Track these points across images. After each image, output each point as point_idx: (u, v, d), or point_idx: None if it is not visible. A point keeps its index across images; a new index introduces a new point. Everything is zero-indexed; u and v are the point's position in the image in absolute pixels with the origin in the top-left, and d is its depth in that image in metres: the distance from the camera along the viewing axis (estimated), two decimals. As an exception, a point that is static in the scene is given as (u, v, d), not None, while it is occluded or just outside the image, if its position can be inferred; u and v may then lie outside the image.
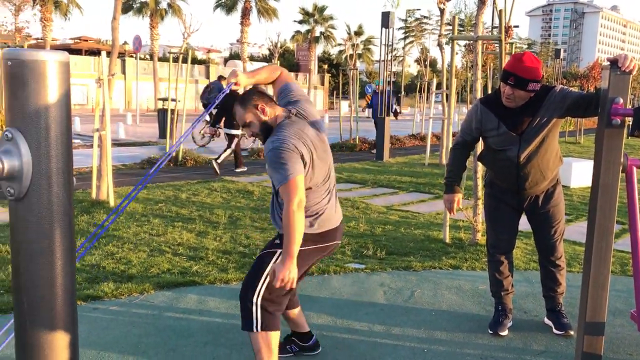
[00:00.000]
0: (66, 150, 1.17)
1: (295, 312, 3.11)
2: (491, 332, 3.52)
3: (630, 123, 2.78)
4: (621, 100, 2.80)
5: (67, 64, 1.17)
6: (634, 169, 2.94)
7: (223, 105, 9.76)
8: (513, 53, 7.09)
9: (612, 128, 2.85)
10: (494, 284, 3.66)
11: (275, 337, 2.72)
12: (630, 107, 2.80)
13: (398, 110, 17.04)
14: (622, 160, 2.90)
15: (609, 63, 2.86)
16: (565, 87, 3.27)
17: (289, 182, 2.49)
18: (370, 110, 18.56)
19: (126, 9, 37.23)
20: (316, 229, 2.72)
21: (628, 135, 2.88)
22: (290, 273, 2.51)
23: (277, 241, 2.76)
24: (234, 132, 10.22)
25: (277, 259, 2.69)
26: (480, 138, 3.50)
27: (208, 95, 11.85)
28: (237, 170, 10.43)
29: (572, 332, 3.48)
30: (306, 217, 2.65)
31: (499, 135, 3.30)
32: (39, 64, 1.11)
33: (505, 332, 3.53)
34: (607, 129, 2.86)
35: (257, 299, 2.66)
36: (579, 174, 9.79)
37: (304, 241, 2.60)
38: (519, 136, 3.25)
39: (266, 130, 2.68)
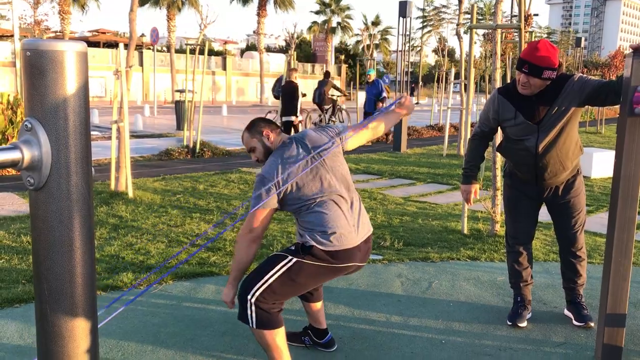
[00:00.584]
0: (84, 140, 1.18)
1: (317, 305, 3.10)
2: (510, 323, 3.49)
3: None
4: (644, 89, 2.75)
5: (85, 54, 1.17)
6: (657, 158, 2.88)
7: (283, 96, 10.92)
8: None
9: (634, 117, 2.80)
10: (513, 275, 3.63)
11: (277, 333, 2.64)
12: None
13: (414, 101, 16.20)
14: (644, 149, 2.85)
15: (632, 50, 2.81)
16: (584, 75, 3.22)
17: (253, 212, 2.64)
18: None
19: (143, 1, 37.40)
20: (326, 246, 2.61)
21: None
22: (223, 296, 2.73)
23: (293, 247, 2.71)
24: (290, 118, 10.98)
25: (285, 265, 2.64)
26: (499, 128, 3.47)
27: (278, 88, 12.06)
28: None
29: (592, 324, 3.44)
30: (312, 232, 2.63)
31: (517, 125, 3.26)
32: (57, 54, 1.11)
33: (524, 324, 3.50)
34: (630, 118, 2.82)
35: (252, 298, 2.59)
36: (600, 164, 9.65)
37: (310, 256, 2.61)
38: (536, 126, 3.21)
39: (268, 155, 2.82)
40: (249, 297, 2.60)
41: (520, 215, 3.54)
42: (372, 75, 14.02)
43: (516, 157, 3.41)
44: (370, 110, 13.81)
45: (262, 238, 2.73)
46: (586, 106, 3.24)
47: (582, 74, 3.21)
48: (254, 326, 2.61)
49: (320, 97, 15.34)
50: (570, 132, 3.25)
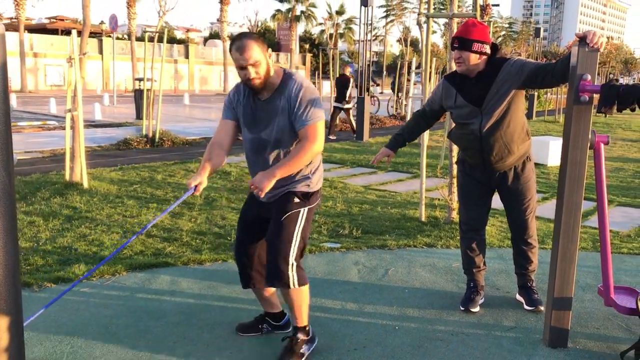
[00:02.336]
0: (3, 125, 1.13)
1: (271, 290, 3.12)
2: (462, 308, 3.55)
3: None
4: (589, 77, 2.81)
5: (2, 36, 1.12)
6: (602, 145, 2.95)
7: (336, 86, 13.75)
8: (492, 32, 7.07)
9: (580, 104, 2.86)
10: (466, 261, 3.68)
11: (308, 289, 2.85)
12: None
13: (378, 91, 15.36)
14: (590, 136, 2.92)
15: (577, 39, 2.86)
16: (523, 58, 3.29)
17: (321, 123, 2.70)
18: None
19: (102, -13, 36.49)
20: (318, 185, 2.90)
21: (597, 112, 2.88)
22: (267, 186, 2.57)
23: (296, 200, 2.80)
24: (340, 104, 13.67)
25: (302, 218, 2.80)
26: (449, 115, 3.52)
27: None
28: (330, 137, 13.35)
29: (542, 308, 3.52)
30: (314, 175, 2.85)
31: (459, 108, 3.35)
32: (-30, 35, 1.06)
33: (476, 309, 3.56)
34: (576, 106, 2.87)
35: (292, 258, 2.74)
36: (557, 152, 9.86)
37: (313, 199, 2.85)
38: (479, 108, 3.28)
39: (267, 75, 2.67)
40: (291, 260, 2.74)
41: (472, 201, 3.59)
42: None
43: (464, 141, 3.46)
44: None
45: None
46: (525, 88, 3.28)
47: (520, 57, 3.27)
48: (297, 285, 2.75)
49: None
50: (514, 115, 3.30)
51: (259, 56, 2.61)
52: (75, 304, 3.49)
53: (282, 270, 2.72)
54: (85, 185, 6.73)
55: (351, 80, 13.58)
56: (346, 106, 13.68)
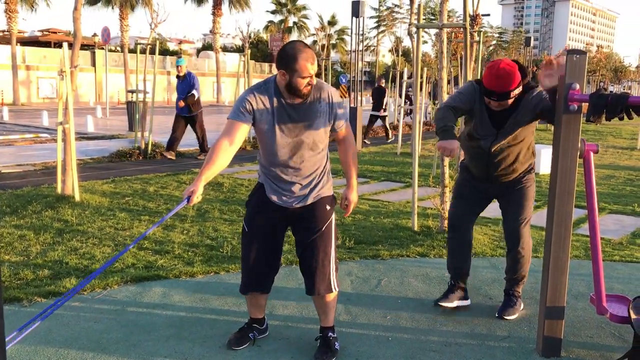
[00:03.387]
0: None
1: (266, 296, 3.20)
2: (434, 304, 3.64)
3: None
4: (577, 86, 2.82)
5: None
6: (591, 154, 2.96)
7: (373, 95, 14.89)
8: (482, 41, 7.12)
9: (569, 114, 2.87)
10: (449, 261, 3.77)
11: None
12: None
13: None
14: (579, 145, 2.93)
15: (566, 50, 2.88)
16: (543, 92, 3.21)
17: (348, 123, 3.01)
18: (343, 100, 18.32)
19: (94, 0, 36.56)
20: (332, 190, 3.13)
21: (585, 120, 2.90)
22: (356, 197, 3.11)
23: (327, 207, 2.98)
24: (377, 113, 14.87)
25: (334, 224, 3.04)
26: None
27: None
28: (365, 141, 14.35)
29: (507, 317, 3.55)
30: (329, 174, 3.08)
31: (481, 125, 3.37)
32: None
33: (448, 305, 3.62)
34: (565, 115, 2.88)
35: (332, 263, 2.98)
36: (548, 160, 9.90)
37: (331, 207, 3.03)
38: (496, 130, 3.34)
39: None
40: (334, 266, 2.99)
41: (463, 200, 3.66)
42: (183, 67, 10.70)
43: (470, 153, 3.53)
44: (184, 114, 10.73)
45: None
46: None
47: (541, 90, 3.24)
48: (337, 289, 3.03)
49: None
50: (525, 138, 3.40)
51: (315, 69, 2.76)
52: (66, 319, 3.46)
53: (329, 277, 2.96)
54: (77, 198, 6.70)
55: (385, 91, 14.95)
56: (383, 114, 14.91)
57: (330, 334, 3.09)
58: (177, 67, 10.73)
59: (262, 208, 2.98)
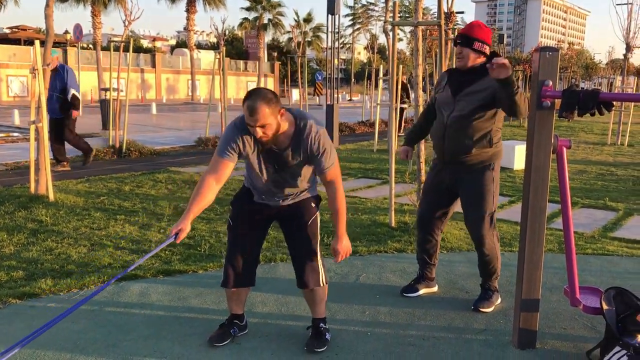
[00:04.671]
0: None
1: (248, 290, 3.22)
2: (400, 293, 3.84)
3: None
4: (550, 83, 2.88)
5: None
6: (564, 149, 3.02)
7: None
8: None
9: (542, 110, 2.93)
10: (417, 251, 3.92)
11: None
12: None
13: (347, 98, 16.05)
14: (552, 141, 2.99)
15: (539, 47, 2.93)
16: None
17: (337, 166, 2.89)
18: (320, 97, 18.71)
19: (66, -4, 35.96)
20: (316, 190, 3.16)
21: (558, 116, 2.96)
22: (348, 246, 3.03)
23: (312, 204, 3.06)
24: (403, 106, 14.98)
25: (318, 220, 3.08)
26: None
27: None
28: (399, 134, 14.31)
29: (482, 310, 3.63)
30: (316, 184, 3.12)
31: (441, 92, 3.60)
32: None
33: (413, 294, 3.84)
34: (538, 111, 2.94)
35: (319, 258, 3.04)
36: (522, 156, 10.05)
37: (316, 205, 3.08)
38: (454, 98, 3.48)
39: (277, 132, 2.74)
40: (319, 258, 3.03)
41: (428, 197, 3.77)
42: (55, 59, 8.60)
43: (434, 128, 3.68)
44: (56, 116, 8.82)
45: None
46: (493, 107, 3.40)
47: None
48: (325, 283, 3.07)
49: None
50: (481, 120, 3.45)
51: (269, 119, 2.64)
52: (42, 320, 3.41)
53: (317, 271, 3.02)
54: (51, 197, 6.60)
55: (408, 86, 15.69)
56: (404, 106, 15.63)
57: (321, 324, 3.18)
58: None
59: (248, 204, 3.09)
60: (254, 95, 2.63)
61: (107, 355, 3.00)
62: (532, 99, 2.98)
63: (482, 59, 3.44)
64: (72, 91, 8.67)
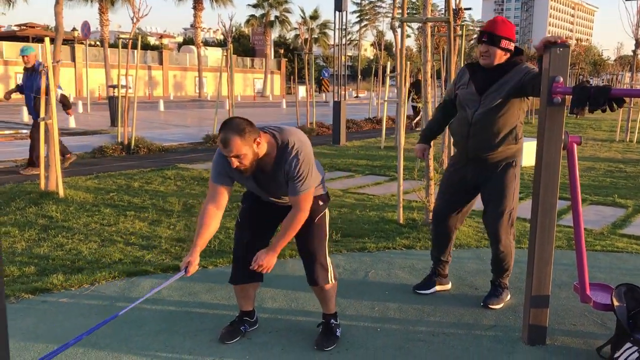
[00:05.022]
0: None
1: (256, 287, 3.23)
2: (413, 290, 3.84)
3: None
4: (561, 79, 2.87)
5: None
6: (575, 146, 3.02)
7: (413, 87, 16.58)
8: (464, 35, 7.19)
9: (552, 106, 2.93)
10: (432, 248, 3.91)
11: None
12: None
13: (354, 95, 16.46)
14: (563, 137, 2.98)
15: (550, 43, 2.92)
16: (533, 67, 3.36)
17: (311, 191, 2.84)
18: (326, 94, 19.25)
19: (73, -7, 36.08)
20: (324, 189, 3.11)
21: (569, 113, 2.95)
22: (271, 262, 2.88)
23: (320, 202, 3.02)
24: (415, 104, 17.04)
25: (326, 217, 3.08)
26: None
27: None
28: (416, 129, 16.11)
29: (491, 306, 3.64)
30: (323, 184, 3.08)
31: (465, 88, 3.52)
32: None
33: (426, 292, 3.84)
34: (549, 107, 2.93)
35: (328, 256, 3.06)
36: (530, 153, 10.02)
37: (323, 203, 3.05)
38: (480, 97, 3.43)
39: (254, 161, 2.72)
40: (327, 256, 3.05)
41: (446, 196, 3.73)
42: (31, 57, 8.24)
43: (457, 126, 3.60)
44: (33, 114, 8.41)
45: None
46: (522, 95, 3.37)
47: (528, 65, 3.39)
48: (334, 280, 3.09)
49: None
50: (507, 115, 3.41)
51: (243, 149, 2.64)
52: (55, 315, 3.45)
53: (325, 268, 3.04)
54: (61, 194, 6.65)
55: (420, 83, 16.28)
56: (416, 104, 17.00)
57: (332, 320, 3.19)
58: (23, 57, 8.21)
59: (256, 202, 3.10)
60: (227, 127, 2.64)
61: (119, 350, 3.03)
62: (542, 95, 2.98)
63: (507, 56, 3.40)
64: (59, 92, 8.15)
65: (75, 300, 3.67)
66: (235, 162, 2.67)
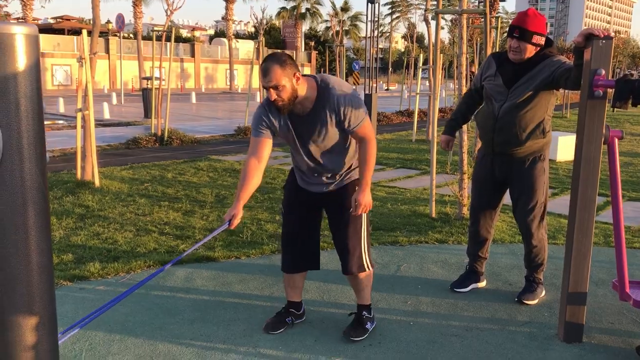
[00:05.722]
0: (37, 125, 1.15)
1: (303, 277, 3.25)
2: (450, 288, 3.77)
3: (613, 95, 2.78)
4: (603, 72, 2.81)
5: (36, 37, 1.14)
6: (616, 140, 2.95)
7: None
8: (499, 28, 7.08)
9: (594, 99, 2.86)
10: (469, 245, 3.85)
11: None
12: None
13: (384, 88, 16.22)
14: (604, 131, 2.92)
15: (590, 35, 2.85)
16: (565, 59, 3.29)
17: (367, 118, 2.82)
18: (357, 87, 18.95)
19: (108, -14, 36.58)
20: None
21: (611, 107, 2.88)
22: (369, 199, 2.84)
23: (357, 187, 2.93)
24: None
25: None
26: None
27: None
28: None
29: (527, 302, 3.58)
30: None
31: (492, 80, 3.43)
32: (6, 37, 1.08)
33: (462, 290, 3.76)
34: (589, 101, 2.87)
35: (366, 244, 3.02)
36: (565, 147, 9.84)
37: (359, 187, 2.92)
38: (507, 90, 3.36)
39: (293, 97, 2.71)
40: (364, 244, 3.01)
41: (479, 187, 3.69)
42: None
43: (483, 119, 3.52)
44: None
45: None
46: (552, 88, 3.29)
47: (560, 59, 3.29)
48: (371, 268, 3.07)
49: None
50: (535, 108, 3.34)
51: (283, 80, 2.64)
52: (91, 302, 3.52)
53: (362, 257, 3.01)
54: (97, 184, 6.78)
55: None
56: None
57: (364, 312, 3.16)
58: None
59: (295, 190, 3.10)
60: (269, 58, 2.68)
61: (154, 337, 3.08)
62: (583, 88, 2.92)
63: (537, 49, 3.32)
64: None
65: (112, 288, 3.74)
66: (273, 94, 2.66)
